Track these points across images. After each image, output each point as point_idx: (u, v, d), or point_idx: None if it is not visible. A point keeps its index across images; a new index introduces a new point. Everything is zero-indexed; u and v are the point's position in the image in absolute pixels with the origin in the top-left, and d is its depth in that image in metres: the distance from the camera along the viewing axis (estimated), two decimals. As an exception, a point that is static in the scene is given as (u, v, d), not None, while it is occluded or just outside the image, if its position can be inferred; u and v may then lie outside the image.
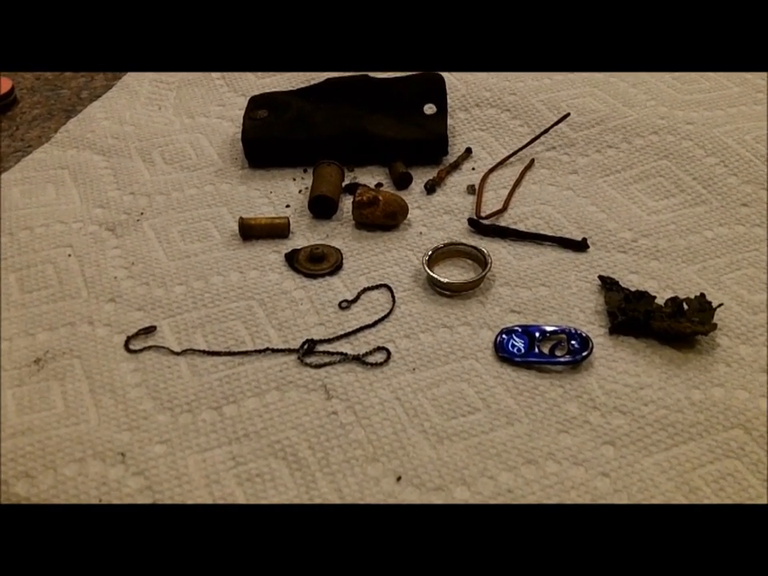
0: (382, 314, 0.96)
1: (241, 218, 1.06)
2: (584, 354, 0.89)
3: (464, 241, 1.04)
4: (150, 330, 0.94)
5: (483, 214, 1.08)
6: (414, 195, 1.13)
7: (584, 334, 0.91)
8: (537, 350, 0.90)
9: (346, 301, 0.97)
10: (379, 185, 1.14)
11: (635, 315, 0.92)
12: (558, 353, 0.90)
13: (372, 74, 1.28)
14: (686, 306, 0.93)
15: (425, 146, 1.17)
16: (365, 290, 0.99)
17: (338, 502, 0.77)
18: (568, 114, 1.20)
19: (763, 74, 1.31)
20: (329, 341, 0.93)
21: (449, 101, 1.27)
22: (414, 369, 0.90)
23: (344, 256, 1.04)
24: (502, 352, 0.91)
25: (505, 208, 1.09)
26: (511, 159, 1.18)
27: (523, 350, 0.91)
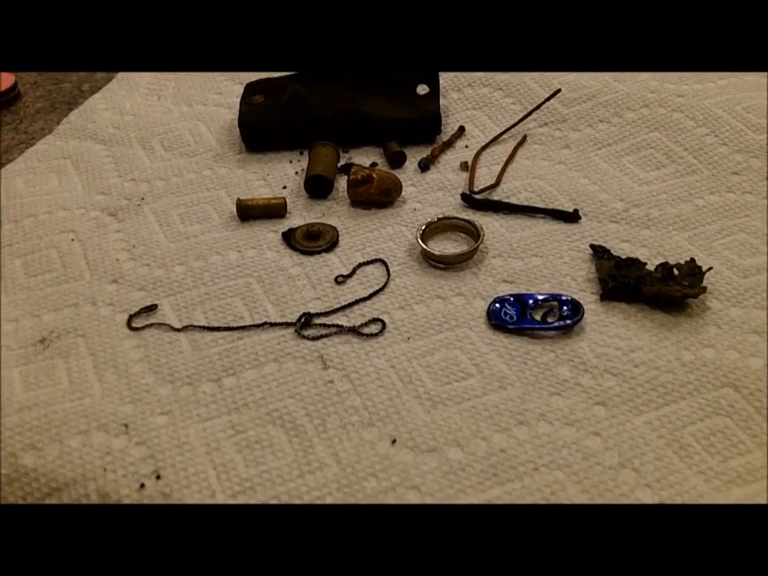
0: (378, 288, 0.98)
1: (238, 200, 1.08)
2: (575, 319, 0.91)
3: (457, 215, 1.06)
4: (151, 309, 0.96)
5: (476, 189, 1.10)
6: (408, 173, 1.15)
7: (575, 300, 0.93)
8: (529, 317, 0.92)
9: (341, 276, 1.00)
10: (374, 164, 1.16)
11: (626, 281, 0.94)
12: (549, 319, 0.92)
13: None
14: (676, 272, 0.95)
15: (418, 125, 1.19)
16: (360, 264, 1.01)
17: (334, 464, 0.80)
18: (559, 90, 1.22)
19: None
20: (325, 314, 0.95)
21: (442, 81, 1.29)
22: (408, 338, 0.92)
23: (340, 233, 1.06)
24: (494, 320, 0.92)
25: (497, 183, 1.11)
26: (504, 136, 1.20)
27: (516, 318, 0.92)
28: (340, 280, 0.99)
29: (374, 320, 0.94)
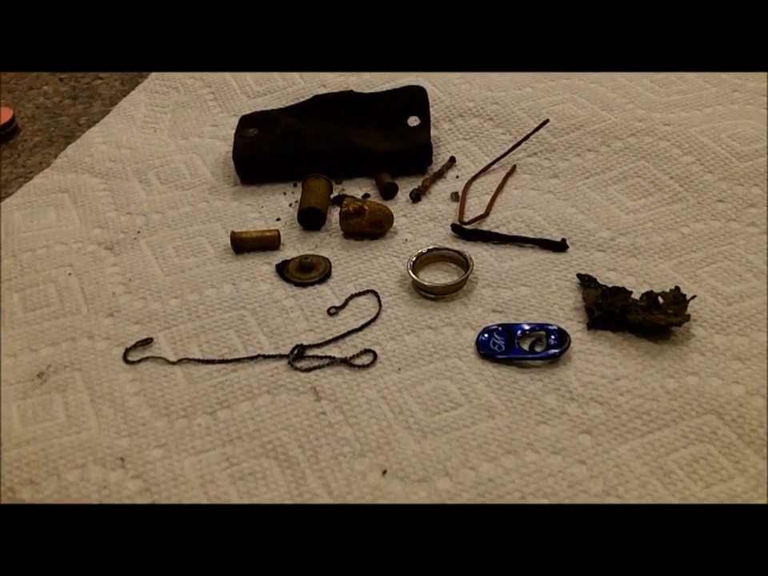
0: (369, 319, 1.00)
1: (232, 232, 1.10)
2: (562, 348, 0.93)
3: (447, 246, 1.08)
4: (147, 342, 0.98)
5: (466, 220, 1.12)
6: (399, 204, 1.17)
7: (562, 329, 0.95)
8: (517, 347, 0.94)
9: (334, 307, 1.02)
10: (366, 196, 1.19)
11: (611, 310, 0.96)
12: (537, 349, 0.94)
13: (357, 90, 1.33)
14: (661, 300, 0.97)
15: (410, 156, 1.21)
16: (352, 296, 1.03)
17: (326, 495, 0.81)
18: (547, 121, 1.24)
19: (738, 74, 1.35)
20: (318, 345, 0.97)
21: (433, 112, 1.31)
22: (399, 369, 0.94)
23: (332, 265, 1.08)
24: (483, 350, 0.94)
25: (487, 213, 1.13)
26: (494, 166, 1.22)
27: (504, 348, 0.94)
28: (332, 311, 1.01)
29: (366, 351, 0.96)
